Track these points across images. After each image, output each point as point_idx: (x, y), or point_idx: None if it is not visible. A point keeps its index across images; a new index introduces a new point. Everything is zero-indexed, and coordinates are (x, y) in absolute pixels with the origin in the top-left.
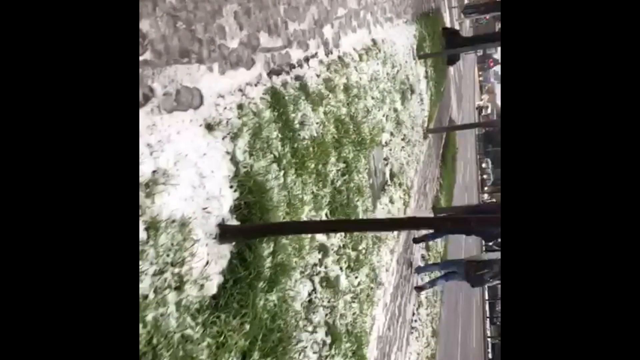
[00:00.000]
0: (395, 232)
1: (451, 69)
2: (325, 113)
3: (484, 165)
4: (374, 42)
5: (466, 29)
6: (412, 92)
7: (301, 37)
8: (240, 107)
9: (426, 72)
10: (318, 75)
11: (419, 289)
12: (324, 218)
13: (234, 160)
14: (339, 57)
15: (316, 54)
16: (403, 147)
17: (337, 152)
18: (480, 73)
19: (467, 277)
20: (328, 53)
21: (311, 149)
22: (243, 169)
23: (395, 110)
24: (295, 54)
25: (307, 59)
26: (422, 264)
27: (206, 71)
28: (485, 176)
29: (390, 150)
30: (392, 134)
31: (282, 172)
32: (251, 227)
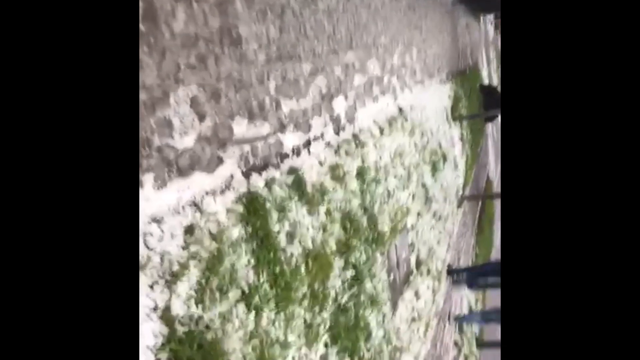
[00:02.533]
0: (421, 331)
1: (489, 124)
2: (328, 212)
3: None
4: (401, 110)
5: None
6: (445, 160)
7: (301, 117)
8: (189, 230)
9: (461, 134)
10: (322, 163)
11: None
12: (321, 351)
13: (166, 316)
14: (354, 135)
15: (322, 135)
16: (433, 225)
17: (344, 259)
18: None
19: None
20: (339, 131)
21: (303, 266)
22: (181, 328)
23: (424, 185)
24: (291, 139)
25: (307, 144)
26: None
27: None
28: None
29: (417, 233)
30: (419, 214)
31: (252, 314)
32: None
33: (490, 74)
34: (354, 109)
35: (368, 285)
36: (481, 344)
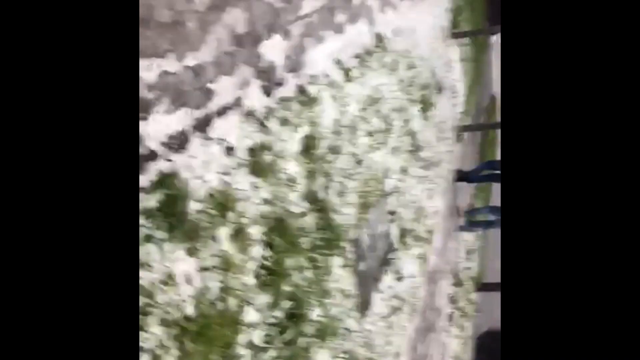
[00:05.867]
0: (404, 318)
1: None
2: (237, 233)
3: None
4: (380, 39)
5: None
6: (440, 91)
7: (188, 81)
8: None
9: (461, 53)
10: (231, 151)
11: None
12: None
13: None
14: (299, 89)
15: (236, 102)
16: (422, 177)
17: (272, 293)
18: None
19: None
20: (270, 89)
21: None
22: None
23: (411, 132)
24: (162, 126)
25: (204, 124)
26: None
27: None
28: None
29: (400, 195)
30: (403, 170)
31: None
32: None
33: None
34: (301, 51)
35: (316, 312)
36: (480, 287)
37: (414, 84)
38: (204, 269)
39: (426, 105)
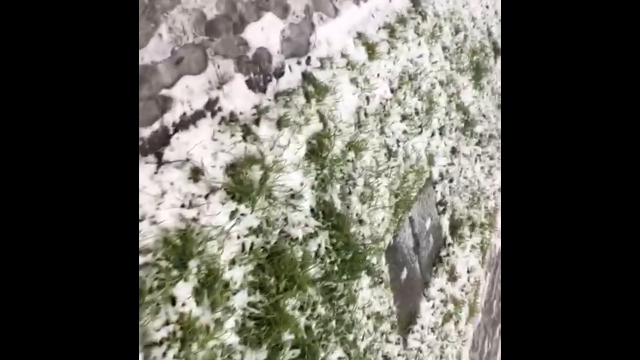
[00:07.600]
0: (462, 322)
1: None
2: (205, 284)
3: None
4: (417, 1)
5: None
6: (497, 52)
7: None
8: None
9: None
10: (198, 175)
11: None
12: None
13: None
14: (305, 78)
15: (208, 107)
16: (479, 155)
17: (267, 345)
18: None
19: None
20: (265, 82)
21: None
22: None
23: (461, 106)
24: None
25: (160, 143)
26: None
27: None
28: None
29: (452, 181)
30: (453, 151)
31: None
32: None
33: None
34: (309, 28)
35: (336, 355)
36: None
37: (462, 49)
38: (153, 344)
39: (478, 73)
